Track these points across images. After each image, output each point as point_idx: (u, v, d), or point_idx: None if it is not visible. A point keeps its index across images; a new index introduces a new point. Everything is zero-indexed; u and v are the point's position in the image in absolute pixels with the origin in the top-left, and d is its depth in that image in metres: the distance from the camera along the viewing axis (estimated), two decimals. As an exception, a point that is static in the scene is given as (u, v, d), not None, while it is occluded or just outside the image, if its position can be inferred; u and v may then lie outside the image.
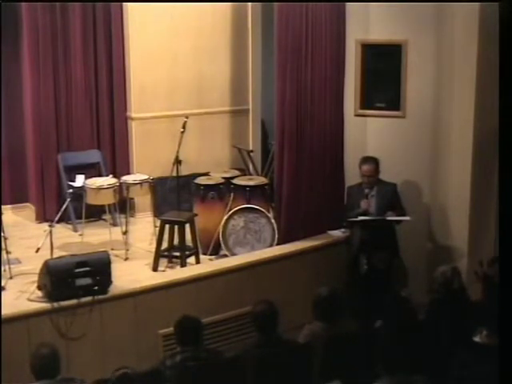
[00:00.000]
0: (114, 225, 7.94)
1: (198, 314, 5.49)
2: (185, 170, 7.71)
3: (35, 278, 6.08)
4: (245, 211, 7.25)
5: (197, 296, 6.42)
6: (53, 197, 8.31)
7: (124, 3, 8.32)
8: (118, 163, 8.67)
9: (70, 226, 8.08)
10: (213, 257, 7.36)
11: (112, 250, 7.12)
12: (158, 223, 7.18)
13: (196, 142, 8.55)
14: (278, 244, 7.21)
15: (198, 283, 6.51)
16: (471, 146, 7.03)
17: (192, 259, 7.09)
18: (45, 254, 6.47)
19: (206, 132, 8.74)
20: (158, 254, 6.99)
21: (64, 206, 7.55)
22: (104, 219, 8.23)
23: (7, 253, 6.68)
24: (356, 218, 6.81)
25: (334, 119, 7.41)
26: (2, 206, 7.28)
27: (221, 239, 7.23)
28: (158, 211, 7.88)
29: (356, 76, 7.50)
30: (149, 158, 8.42)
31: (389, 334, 4.97)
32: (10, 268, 6.59)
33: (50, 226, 6.64)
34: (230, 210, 7.31)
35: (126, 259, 7.17)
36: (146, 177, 7.56)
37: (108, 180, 7.49)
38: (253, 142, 9.03)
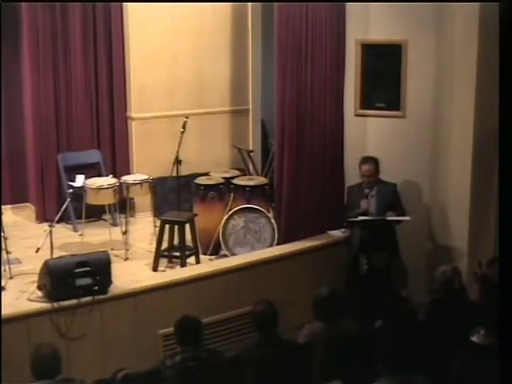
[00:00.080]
0: (114, 225, 7.94)
1: (198, 314, 5.49)
2: (185, 170, 7.71)
3: (35, 278, 6.08)
4: (245, 211, 7.25)
5: (197, 296, 6.42)
6: (53, 197, 8.31)
7: (124, 3, 8.32)
8: (118, 163, 8.67)
9: (69, 226, 8.08)
10: (213, 257, 7.36)
11: (112, 250, 7.12)
12: (158, 223, 7.18)
13: (196, 142, 8.55)
14: (278, 244, 7.21)
15: (198, 283, 6.51)
16: (471, 146, 7.03)
17: (192, 259, 7.09)
18: (45, 254, 6.47)
19: (206, 132, 8.74)
20: (158, 254, 6.99)
21: (64, 206, 7.55)
22: (104, 219, 8.23)
23: (7, 253, 6.68)
24: (356, 218, 6.81)
25: (334, 119, 7.41)
26: (2, 206, 7.28)
27: (221, 239, 7.23)
28: (158, 211, 7.88)
29: (356, 76, 7.50)
30: (149, 158, 8.42)
31: (389, 333, 4.97)
32: (10, 268, 6.59)
33: (49, 226, 6.64)
34: (229, 210, 7.31)
35: (126, 259, 7.17)
36: (145, 177, 7.56)
37: (108, 180, 7.49)
38: (253, 142, 9.03)
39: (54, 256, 6.39)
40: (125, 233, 7.31)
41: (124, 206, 7.87)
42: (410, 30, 7.23)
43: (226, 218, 7.24)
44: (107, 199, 7.46)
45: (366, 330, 5.56)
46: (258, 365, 5.00)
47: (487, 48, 6.72)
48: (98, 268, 6.00)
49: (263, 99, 9.00)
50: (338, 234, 7.41)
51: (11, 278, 6.54)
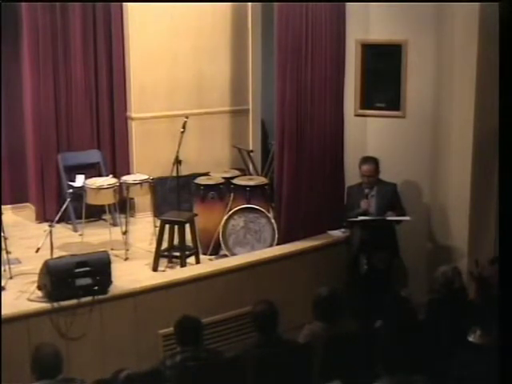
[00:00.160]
0: (114, 225, 7.95)
1: (198, 314, 5.49)
2: (185, 170, 7.71)
3: (35, 278, 6.08)
4: (245, 211, 7.25)
5: (197, 296, 6.42)
6: (53, 197, 8.31)
7: (124, 3, 8.32)
8: (118, 163, 8.67)
9: (69, 226, 8.08)
10: (213, 257, 7.36)
11: (112, 250, 7.12)
12: (158, 223, 7.18)
13: (196, 142, 8.55)
14: (278, 244, 7.21)
15: (198, 283, 6.51)
16: (471, 146, 7.03)
17: (192, 259, 7.09)
18: (45, 254, 6.47)
19: (206, 132, 8.74)
20: (158, 254, 6.99)
21: (64, 206, 7.55)
22: (104, 219, 8.23)
23: (7, 253, 6.68)
24: (356, 218, 6.81)
25: (334, 119, 7.41)
26: (2, 206, 7.28)
27: (221, 239, 7.23)
28: (158, 211, 7.88)
29: (356, 76, 7.50)
30: (149, 158, 8.42)
31: (389, 333, 4.97)
32: (10, 268, 6.59)
33: (49, 226, 6.64)
34: (230, 210, 7.31)
35: (126, 259, 7.17)
36: (146, 177, 7.56)
37: (108, 180, 7.49)
38: (253, 142, 9.03)
39: (54, 256, 6.39)
40: (125, 233, 7.32)
41: (124, 206, 7.87)
42: (410, 30, 7.23)
43: (225, 218, 7.24)
44: (107, 199, 7.46)
45: (366, 330, 5.56)
46: (258, 365, 5.00)
47: (487, 48, 6.72)
48: (98, 268, 6.00)
49: (263, 99, 9.00)
50: (337, 233, 7.41)
51: (11, 278, 6.54)
